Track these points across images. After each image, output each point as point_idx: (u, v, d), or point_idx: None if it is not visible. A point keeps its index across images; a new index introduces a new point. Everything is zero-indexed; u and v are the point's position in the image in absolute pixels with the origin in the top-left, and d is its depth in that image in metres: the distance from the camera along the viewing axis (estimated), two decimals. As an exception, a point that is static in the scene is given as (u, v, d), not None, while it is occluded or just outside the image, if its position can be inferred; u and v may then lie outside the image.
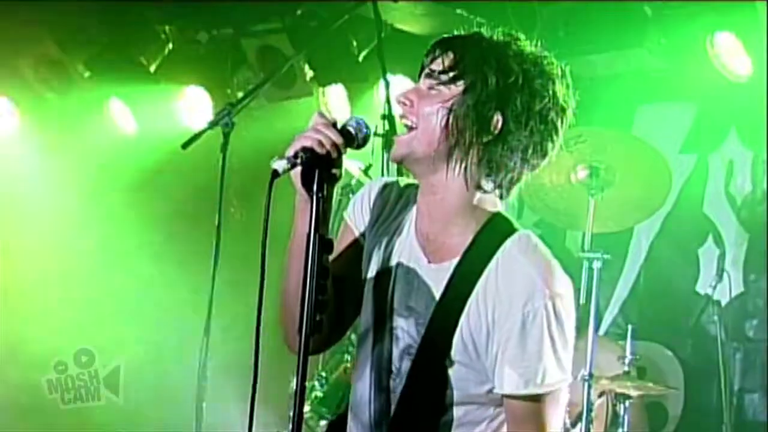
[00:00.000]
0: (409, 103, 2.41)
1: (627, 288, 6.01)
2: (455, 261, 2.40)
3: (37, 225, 6.59)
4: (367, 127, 2.44)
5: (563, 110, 2.41)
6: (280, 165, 2.27)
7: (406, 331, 2.45)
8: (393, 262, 2.50)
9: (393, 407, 2.46)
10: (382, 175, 4.48)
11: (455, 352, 2.38)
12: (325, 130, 2.34)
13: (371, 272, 2.53)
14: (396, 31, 5.76)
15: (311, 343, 2.25)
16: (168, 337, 6.35)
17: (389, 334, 2.47)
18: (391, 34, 5.61)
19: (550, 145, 2.41)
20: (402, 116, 2.44)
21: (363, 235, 2.58)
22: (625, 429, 5.00)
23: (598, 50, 5.40)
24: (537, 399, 2.35)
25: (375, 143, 4.58)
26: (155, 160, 6.41)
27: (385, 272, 2.50)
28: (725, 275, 5.58)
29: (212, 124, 5.00)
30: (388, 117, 4.50)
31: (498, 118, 2.36)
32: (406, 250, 2.49)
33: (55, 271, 6.58)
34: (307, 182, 2.31)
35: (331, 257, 2.34)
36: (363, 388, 2.51)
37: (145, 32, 6.28)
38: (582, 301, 4.77)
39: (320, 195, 2.27)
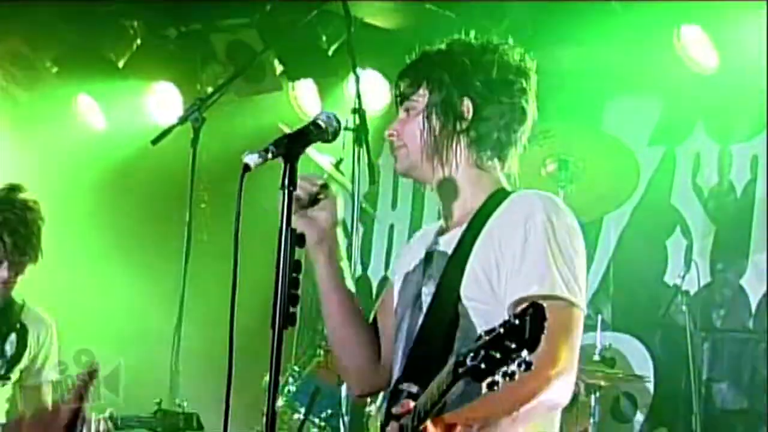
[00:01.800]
0: (396, 133, 2.69)
1: (596, 280, 6.04)
2: (464, 226, 2.61)
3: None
4: (337, 122, 2.52)
5: (522, 71, 2.65)
6: (251, 159, 2.29)
7: (428, 294, 2.62)
8: (418, 260, 2.71)
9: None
10: (353, 169, 4.49)
11: (465, 287, 2.52)
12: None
13: (401, 282, 2.75)
14: (365, 26, 5.77)
15: (369, 385, 2.74)
16: (138, 335, 6.32)
17: (417, 309, 2.64)
18: (361, 29, 5.61)
19: (523, 104, 2.64)
20: (393, 148, 2.70)
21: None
22: (596, 419, 5.05)
23: (566, 44, 5.43)
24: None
25: (346, 138, 4.59)
26: (124, 156, 6.38)
27: (412, 270, 2.72)
28: (693, 266, 5.62)
29: (182, 120, 4.99)
30: (359, 111, 4.51)
31: (467, 104, 2.61)
32: (427, 244, 2.72)
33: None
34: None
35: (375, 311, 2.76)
36: (397, 366, 2.65)
37: (113, 28, 6.24)
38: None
39: (292, 189, 2.29)
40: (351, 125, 4.50)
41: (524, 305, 1.98)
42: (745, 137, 5.71)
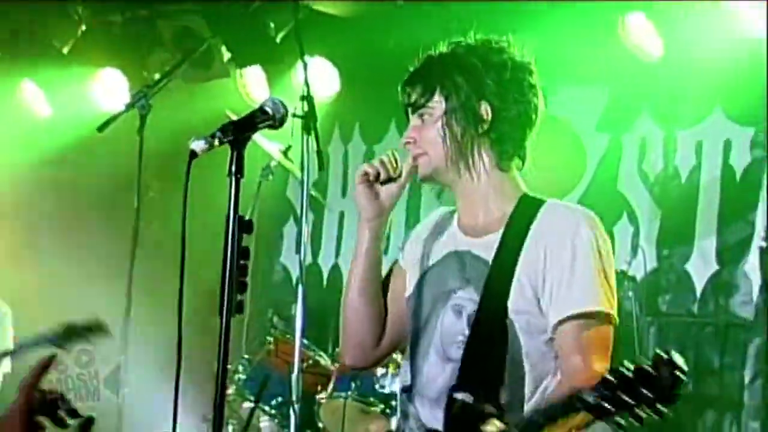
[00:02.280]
0: (413, 140, 2.71)
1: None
2: (500, 231, 2.66)
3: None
4: (284, 107, 2.49)
5: (528, 68, 2.74)
6: (198, 145, 2.27)
7: (468, 299, 2.64)
8: (441, 256, 2.74)
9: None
10: (302, 156, 4.48)
11: (513, 301, 2.58)
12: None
13: (417, 278, 2.77)
14: (313, 13, 5.74)
15: (363, 360, 2.80)
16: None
17: (451, 311, 2.67)
18: (309, 16, 5.59)
19: (535, 101, 2.73)
20: (414, 156, 2.71)
21: (404, 262, 2.85)
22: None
23: (513, 33, 5.43)
24: (587, 326, 2.54)
25: (294, 124, 4.58)
26: (70, 143, 6.31)
27: (436, 265, 2.74)
28: (639, 251, 5.68)
29: (129, 107, 4.96)
30: (307, 98, 4.50)
31: (485, 106, 2.65)
32: (451, 242, 2.74)
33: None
34: None
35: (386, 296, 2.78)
36: (429, 367, 2.68)
37: (57, 14, 6.16)
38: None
39: (239, 176, 2.28)
40: (299, 112, 4.49)
41: (662, 357, 2.08)
42: (690, 123, 5.78)
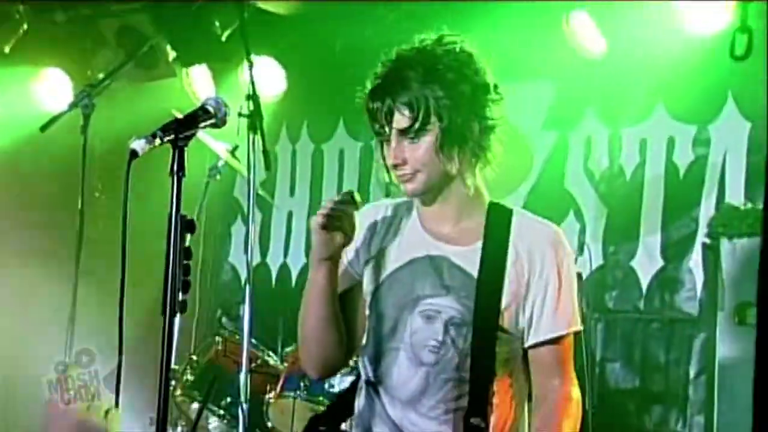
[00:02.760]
0: (402, 162, 2.64)
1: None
2: (479, 243, 2.67)
3: None
4: (225, 106, 2.48)
5: (486, 70, 2.71)
6: (139, 144, 2.25)
7: (447, 306, 2.66)
8: (404, 261, 2.73)
9: (434, 377, 2.68)
10: (248, 155, 4.46)
11: (504, 320, 2.65)
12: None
13: (382, 276, 2.76)
14: (259, 11, 5.72)
15: (328, 364, 2.78)
16: (30, 327, 6.20)
17: (420, 316, 2.68)
18: (255, 14, 5.56)
19: (502, 99, 2.72)
20: (403, 176, 2.66)
21: (354, 266, 2.81)
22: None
23: (457, 31, 5.45)
24: (563, 343, 2.68)
25: (240, 124, 4.55)
26: (13, 144, 6.22)
27: (403, 268, 2.72)
28: (585, 249, 5.72)
29: (72, 106, 4.92)
30: (253, 98, 4.48)
31: (476, 125, 2.64)
32: (421, 246, 2.72)
33: None
34: None
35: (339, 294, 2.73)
36: (399, 370, 2.70)
37: (-2, 12, 6.08)
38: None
39: (181, 174, 2.26)
40: (245, 111, 4.46)
41: None
42: (634, 121, 5.83)
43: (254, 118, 4.43)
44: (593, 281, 5.78)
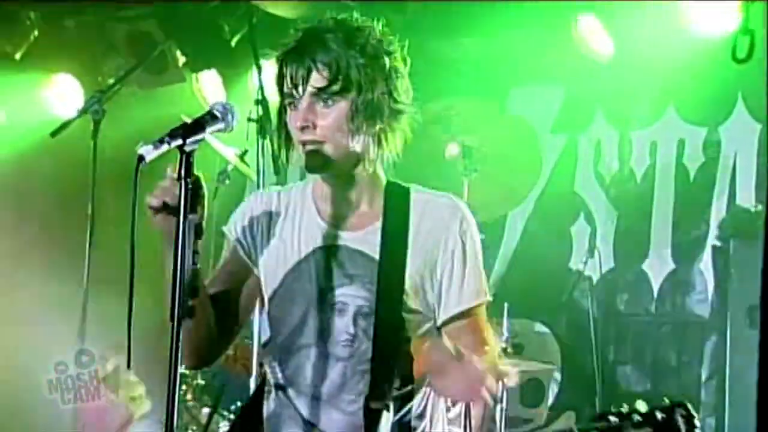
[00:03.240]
0: (311, 125, 2.51)
1: (503, 267, 6.10)
2: (377, 224, 2.59)
3: None
4: (233, 111, 2.46)
5: (401, 56, 2.60)
6: (146, 150, 2.24)
7: (353, 296, 2.57)
8: (304, 253, 2.61)
9: (351, 370, 2.58)
10: (257, 160, 4.46)
11: (410, 301, 2.57)
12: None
13: (283, 271, 2.63)
14: (268, 16, 5.72)
15: (204, 360, 2.61)
16: (39, 334, 6.21)
17: (330, 309, 2.58)
18: (263, 19, 5.57)
19: (409, 88, 2.61)
20: (307, 141, 2.52)
21: (248, 250, 2.67)
22: (505, 405, 5.10)
23: (467, 34, 5.47)
24: (476, 317, 2.61)
25: (249, 128, 4.56)
26: (24, 149, 6.24)
27: (303, 262, 2.61)
28: (596, 252, 5.72)
29: (82, 112, 4.93)
30: (262, 102, 4.49)
31: (387, 106, 2.55)
32: (315, 236, 2.62)
33: None
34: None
35: (213, 275, 2.62)
36: (312, 368, 2.59)
37: (8, 19, 6.08)
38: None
39: (188, 180, 2.26)
40: (254, 116, 4.47)
41: (674, 404, 2.11)
42: (644, 124, 5.83)
43: (263, 123, 4.44)
44: (604, 284, 5.77)
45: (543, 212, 6.06)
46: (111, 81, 5.96)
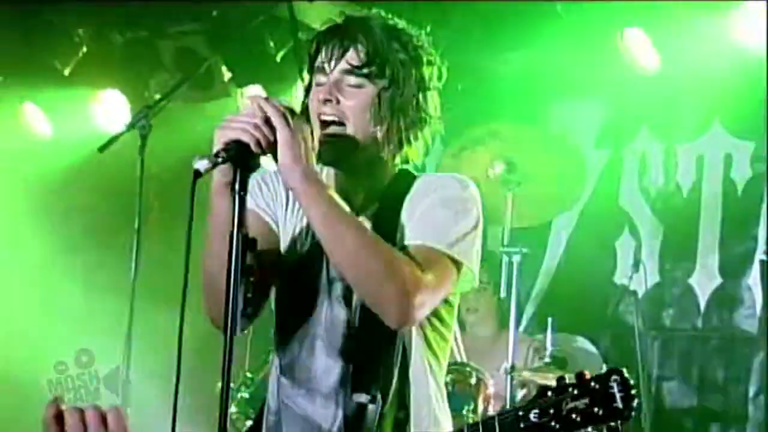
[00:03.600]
0: (334, 100, 2.43)
1: (547, 281, 6.09)
2: (373, 210, 2.51)
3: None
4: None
5: (439, 72, 2.56)
6: (202, 165, 2.23)
7: (350, 288, 2.46)
8: (308, 244, 2.52)
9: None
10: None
11: None
12: (264, 128, 2.30)
13: (293, 256, 2.55)
14: (312, 31, 5.76)
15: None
16: (86, 346, 6.26)
17: (337, 302, 2.49)
18: (308, 34, 5.61)
19: (437, 106, 2.56)
20: (325, 113, 2.44)
21: (274, 221, 2.58)
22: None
23: (512, 48, 5.47)
24: (431, 260, 2.40)
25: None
26: (71, 164, 6.31)
27: (304, 252, 2.53)
28: (641, 266, 5.68)
29: (129, 127, 4.96)
30: (308, 116, 4.50)
31: (419, 98, 2.50)
32: None
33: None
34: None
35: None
36: (317, 362, 2.49)
37: (58, 35, 6.17)
38: (503, 294, 4.85)
39: (242, 193, 2.26)
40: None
41: (609, 371, 1.97)
42: (690, 138, 5.79)
43: (312, 126, 4.44)
44: (650, 299, 5.74)
45: (587, 226, 6.04)
46: (157, 96, 6.02)
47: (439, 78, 2.55)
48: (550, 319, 5.07)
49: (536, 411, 2.01)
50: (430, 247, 2.42)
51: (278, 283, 2.55)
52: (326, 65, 2.45)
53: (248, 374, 5.50)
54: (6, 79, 6.38)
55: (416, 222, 2.46)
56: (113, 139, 4.97)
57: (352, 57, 2.44)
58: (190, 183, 2.20)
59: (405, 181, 2.54)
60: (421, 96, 2.49)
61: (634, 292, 5.62)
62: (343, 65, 2.44)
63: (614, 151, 6.02)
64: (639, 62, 5.38)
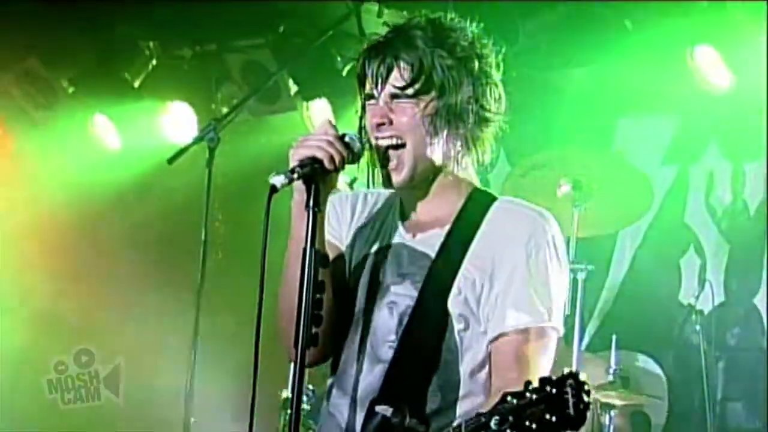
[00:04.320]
0: (387, 122, 2.43)
1: (611, 298, 6.05)
2: (447, 227, 2.47)
3: (24, 239, 6.56)
4: (361, 142, 2.47)
5: (494, 63, 2.49)
6: (278, 180, 2.26)
7: (402, 294, 2.45)
8: (376, 247, 2.53)
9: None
10: (368, 188, 4.49)
11: (454, 299, 2.40)
12: (337, 144, 2.37)
13: (357, 266, 2.55)
14: (380, 45, 5.79)
15: (309, 355, 2.28)
16: (153, 352, 6.33)
17: (386, 308, 2.47)
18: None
19: (502, 100, 2.50)
20: (382, 138, 2.45)
21: (342, 244, 2.59)
22: (611, 437, 5.04)
23: (580, 64, 5.46)
24: (529, 340, 2.38)
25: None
26: (140, 175, 6.40)
27: (372, 257, 2.52)
28: (707, 285, 5.63)
29: (197, 139, 5.02)
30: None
31: (473, 112, 2.44)
32: (389, 234, 2.53)
33: (42, 285, 6.54)
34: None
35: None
36: (357, 366, 2.47)
37: (128, 48, 6.28)
38: (566, 311, 4.82)
39: (317, 210, 2.28)
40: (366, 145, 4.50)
41: (565, 375, 1.93)
42: (758, 156, 5.73)
43: (374, 152, 4.46)
44: (714, 318, 5.67)
45: (652, 243, 6.00)
46: (224, 109, 6.10)
47: (497, 68, 2.48)
48: (614, 337, 5.04)
49: (497, 417, 1.98)
50: (526, 328, 2.39)
51: (342, 296, 2.54)
52: (374, 90, 2.44)
53: (309, 386, 5.52)
54: (77, 90, 6.50)
55: (505, 307, 2.39)
56: (182, 151, 5.03)
57: (396, 78, 2.41)
58: (262, 197, 2.24)
59: (480, 204, 2.50)
60: (479, 93, 2.44)
61: (700, 312, 5.55)
62: (389, 89, 2.42)
63: (681, 168, 5.97)
64: (709, 80, 5.34)
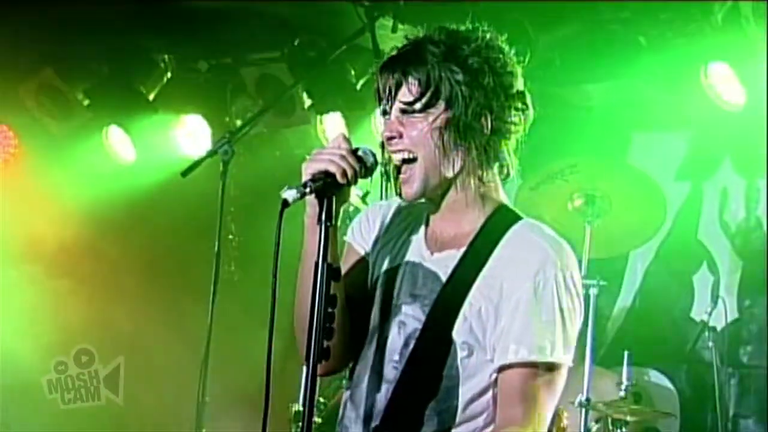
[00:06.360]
0: (398, 135, 2.42)
1: (623, 314, 6.04)
2: (463, 249, 2.44)
3: (37, 249, 6.58)
4: (374, 156, 2.47)
5: (515, 73, 2.45)
6: (290, 194, 2.27)
7: (411, 315, 2.44)
8: (395, 263, 2.52)
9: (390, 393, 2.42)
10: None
11: (458, 332, 2.38)
12: (350, 158, 2.39)
13: (377, 279, 2.54)
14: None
15: (322, 366, 2.29)
16: (165, 366, 6.34)
17: (397, 326, 2.46)
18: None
19: (526, 110, 2.45)
20: (394, 152, 2.44)
21: (367, 254, 2.59)
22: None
23: (593, 79, 5.46)
24: (535, 375, 2.35)
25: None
26: (154, 187, 6.42)
27: (391, 272, 2.51)
28: (720, 301, 5.61)
29: (212, 152, 5.04)
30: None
31: (487, 123, 2.40)
32: (410, 251, 2.52)
33: (50, 295, 6.55)
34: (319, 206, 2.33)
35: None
36: (366, 383, 2.47)
37: (144, 61, 6.31)
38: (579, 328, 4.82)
39: (329, 224, 2.29)
40: (379, 159, 4.51)
41: None
42: (773, 173, 5.72)
43: (387, 166, 4.47)
44: (727, 335, 5.66)
45: (665, 259, 5.99)
46: (238, 122, 6.12)
47: (518, 78, 2.44)
48: (626, 353, 5.03)
49: None
50: (532, 362, 2.36)
51: (362, 306, 2.54)
52: (386, 107, 2.44)
53: (321, 399, 5.52)
54: (92, 102, 6.53)
55: (510, 339, 2.36)
56: (197, 164, 5.05)
57: (403, 94, 2.40)
58: (275, 210, 2.24)
59: (501, 224, 2.45)
60: (496, 106, 2.39)
61: (713, 328, 5.54)
62: (397, 105, 2.42)
63: (695, 184, 5.97)
64: (723, 96, 5.33)
